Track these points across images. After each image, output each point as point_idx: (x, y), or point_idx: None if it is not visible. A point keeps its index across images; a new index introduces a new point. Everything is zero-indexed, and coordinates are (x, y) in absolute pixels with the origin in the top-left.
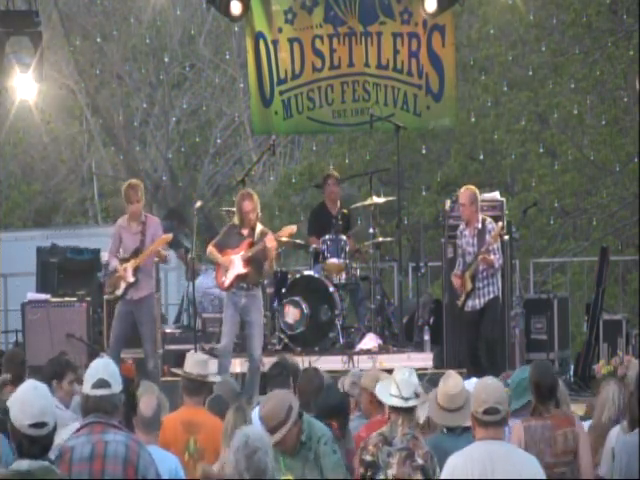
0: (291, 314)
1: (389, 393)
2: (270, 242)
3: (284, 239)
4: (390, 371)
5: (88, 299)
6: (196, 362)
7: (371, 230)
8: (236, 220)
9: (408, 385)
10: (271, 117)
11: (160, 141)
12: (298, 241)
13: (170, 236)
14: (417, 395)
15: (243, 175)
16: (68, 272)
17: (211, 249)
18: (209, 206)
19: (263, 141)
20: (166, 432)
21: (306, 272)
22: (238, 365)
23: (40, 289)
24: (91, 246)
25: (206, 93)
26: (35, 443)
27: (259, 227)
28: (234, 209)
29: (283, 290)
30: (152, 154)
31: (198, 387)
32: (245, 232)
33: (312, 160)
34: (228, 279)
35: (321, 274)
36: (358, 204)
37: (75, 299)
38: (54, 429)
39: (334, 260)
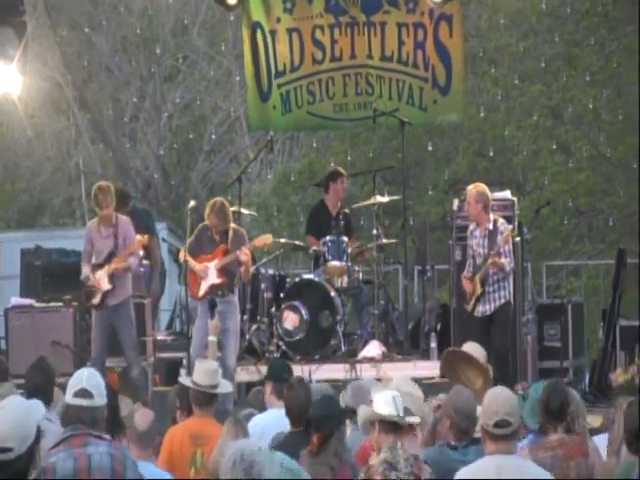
0: (290, 320)
1: (385, 406)
2: (243, 256)
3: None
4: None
5: (75, 304)
6: (206, 372)
7: (374, 231)
8: (207, 224)
9: (407, 399)
10: (269, 112)
11: (151, 137)
12: (297, 243)
13: (145, 238)
14: (414, 412)
15: (239, 173)
16: (54, 276)
17: (183, 254)
18: (204, 206)
19: (260, 137)
20: (173, 444)
21: (306, 275)
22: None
23: (24, 293)
24: (78, 248)
25: (200, 87)
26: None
27: (232, 229)
28: (235, 208)
29: (281, 294)
30: (143, 151)
31: (209, 398)
32: (217, 236)
33: (312, 157)
34: (202, 290)
35: (322, 278)
36: (360, 204)
37: (61, 304)
38: (28, 453)
39: (335, 263)
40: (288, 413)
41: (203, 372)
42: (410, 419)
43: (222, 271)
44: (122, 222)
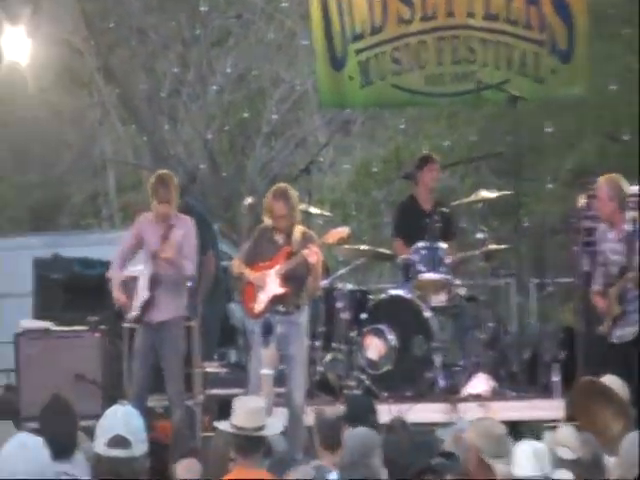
0: (374, 348)
1: (524, 461)
2: (313, 256)
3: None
4: (510, 425)
5: (103, 327)
6: (250, 411)
7: (479, 235)
8: (267, 223)
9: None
10: (344, 84)
11: (196, 117)
12: (382, 250)
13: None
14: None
15: (308, 162)
16: (76, 292)
17: (237, 263)
18: (263, 203)
19: (334, 116)
20: None
21: (393, 291)
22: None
23: (39, 314)
24: (106, 257)
25: (257, 53)
26: None
27: (298, 230)
28: (303, 206)
29: (363, 315)
30: (186, 134)
31: (255, 443)
32: (280, 238)
33: (399, 142)
34: (261, 303)
35: (413, 294)
36: (461, 200)
37: (85, 328)
38: None
39: (430, 275)
40: (387, 465)
41: (245, 412)
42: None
43: (285, 278)
44: (182, 223)
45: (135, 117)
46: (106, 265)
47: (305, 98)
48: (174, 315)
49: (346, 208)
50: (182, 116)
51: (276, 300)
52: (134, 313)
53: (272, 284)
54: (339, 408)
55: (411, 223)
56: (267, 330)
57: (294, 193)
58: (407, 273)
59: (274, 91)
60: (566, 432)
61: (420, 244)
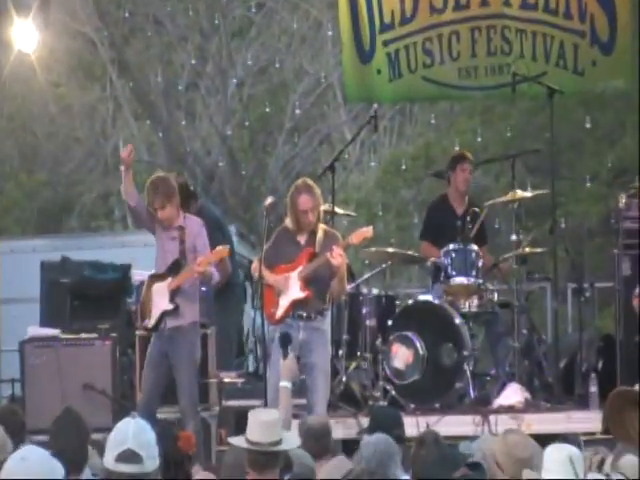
0: (401, 356)
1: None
2: (337, 258)
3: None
4: (541, 439)
5: (114, 335)
6: (264, 425)
7: (514, 237)
8: (289, 223)
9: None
10: (372, 78)
11: (215, 112)
12: (410, 252)
13: (226, 249)
14: None
15: (332, 160)
16: (85, 297)
17: (257, 265)
18: (285, 203)
19: (361, 111)
20: None
21: (422, 296)
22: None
23: (46, 321)
24: (118, 260)
25: (280, 44)
26: None
27: (321, 230)
28: (326, 206)
29: (389, 322)
30: (204, 130)
31: (271, 459)
32: (302, 239)
33: (430, 138)
34: (281, 308)
35: (443, 299)
36: (495, 200)
37: (95, 336)
38: None
39: (462, 279)
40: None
41: (259, 425)
42: None
43: (307, 281)
44: (192, 224)
45: (150, 112)
46: (118, 269)
47: (330, 92)
48: (188, 321)
49: (372, 208)
50: (200, 111)
51: (297, 304)
52: (150, 322)
53: (293, 287)
54: (325, 418)
55: (442, 224)
56: (285, 341)
57: (318, 190)
58: (437, 277)
59: (297, 84)
60: (630, 461)
61: (451, 246)
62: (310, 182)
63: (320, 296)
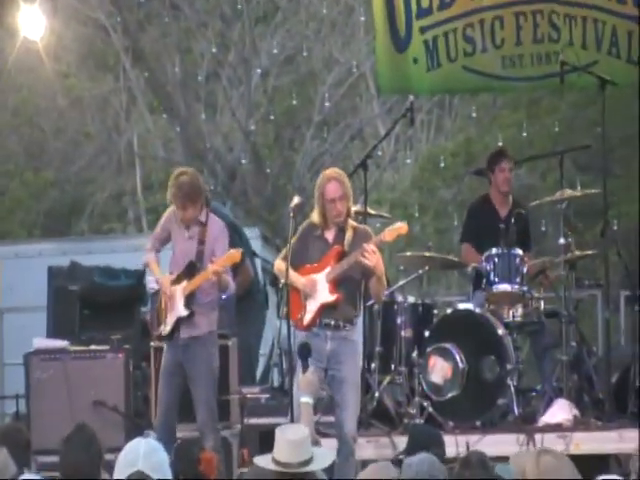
0: (439, 370)
1: None
2: (371, 257)
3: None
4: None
5: (127, 347)
6: (293, 444)
7: (562, 240)
8: (315, 217)
9: None
10: (408, 67)
11: (238, 105)
12: (449, 257)
13: (238, 253)
14: None
15: (364, 156)
16: (96, 306)
17: (281, 264)
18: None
19: (395, 104)
20: None
21: (462, 305)
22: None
23: (54, 332)
24: (131, 266)
25: (308, 31)
26: None
27: (351, 226)
28: (358, 207)
29: (427, 333)
30: (225, 124)
31: None
32: (330, 235)
33: (470, 133)
34: (309, 312)
35: (485, 308)
36: (542, 200)
37: (107, 348)
38: None
39: (505, 286)
40: None
41: (288, 444)
42: None
43: (337, 283)
44: (214, 224)
45: (167, 105)
46: (132, 275)
47: (362, 83)
48: (205, 330)
49: (408, 209)
50: (221, 104)
51: (326, 309)
52: (166, 329)
53: (322, 291)
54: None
55: (483, 226)
56: (304, 352)
57: (349, 181)
58: (478, 284)
59: (327, 75)
60: None
61: (494, 251)
62: (340, 171)
63: (351, 300)
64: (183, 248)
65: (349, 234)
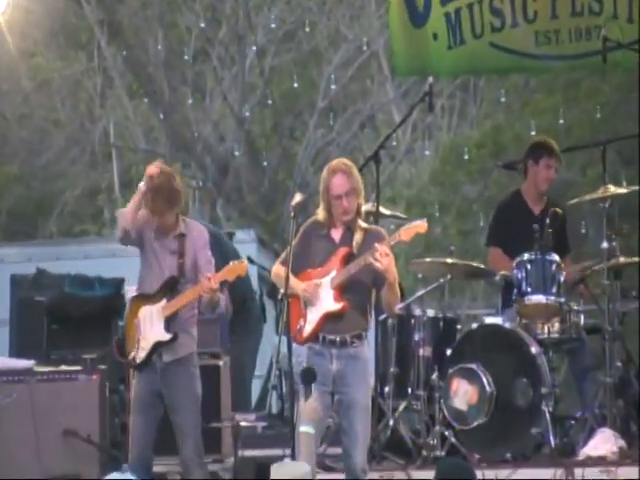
0: (463, 394)
1: None
2: (383, 260)
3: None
4: None
5: (102, 368)
6: None
7: (605, 244)
8: (320, 214)
9: None
10: (426, 44)
11: (230, 87)
12: (475, 264)
13: (243, 265)
14: None
15: (377, 147)
16: (67, 320)
17: (279, 269)
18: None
19: (412, 87)
20: None
21: (489, 319)
22: None
23: (18, 350)
24: (108, 274)
25: (311, 3)
26: None
27: (360, 227)
28: (369, 206)
29: (448, 352)
30: (216, 110)
31: None
32: (337, 235)
33: (499, 120)
34: (309, 324)
35: (515, 323)
36: (582, 198)
37: (79, 368)
38: None
39: (539, 298)
40: None
41: None
42: None
43: (343, 290)
44: (193, 231)
45: (148, 88)
46: (108, 285)
47: (374, 62)
48: (188, 351)
49: (427, 208)
50: (211, 87)
51: (330, 320)
52: (139, 355)
53: (325, 298)
54: None
55: (514, 228)
56: (308, 377)
57: (358, 174)
58: (508, 295)
59: (333, 53)
60: None
61: (526, 256)
62: (348, 162)
63: (360, 310)
64: (158, 262)
65: (359, 235)
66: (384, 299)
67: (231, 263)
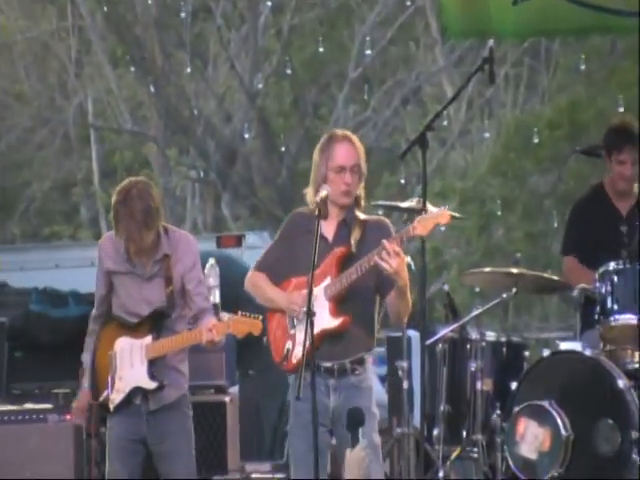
0: (532, 439)
1: None
2: (389, 260)
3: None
4: None
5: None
6: None
7: None
8: (308, 198)
9: None
10: (485, 1)
11: (238, 53)
12: (546, 275)
13: (258, 324)
14: None
15: (423, 128)
16: (33, 346)
17: (256, 276)
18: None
19: (468, 52)
20: None
21: (565, 344)
22: None
23: None
24: (84, 287)
25: None
26: None
27: (358, 220)
28: (395, 202)
29: (514, 385)
30: (221, 82)
31: None
32: (330, 231)
33: (576, 95)
34: (300, 345)
35: (599, 349)
36: None
37: (49, 407)
38: None
39: (628, 318)
40: None
41: None
42: None
43: (341, 301)
44: (179, 248)
45: (135, 54)
46: (85, 301)
47: (420, 21)
48: (178, 394)
49: (485, 205)
50: (214, 52)
51: (326, 340)
52: (113, 397)
53: (319, 312)
54: None
55: (596, 231)
56: (355, 419)
57: (359, 142)
58: (588, 314)
59: (368, 10)
60: None
61: (611, 266)
62: (348, 133)
63: (364, 325)
64: (139, 289)
65: (357, 229)
66: (392, 308)
67: (240, 315)
